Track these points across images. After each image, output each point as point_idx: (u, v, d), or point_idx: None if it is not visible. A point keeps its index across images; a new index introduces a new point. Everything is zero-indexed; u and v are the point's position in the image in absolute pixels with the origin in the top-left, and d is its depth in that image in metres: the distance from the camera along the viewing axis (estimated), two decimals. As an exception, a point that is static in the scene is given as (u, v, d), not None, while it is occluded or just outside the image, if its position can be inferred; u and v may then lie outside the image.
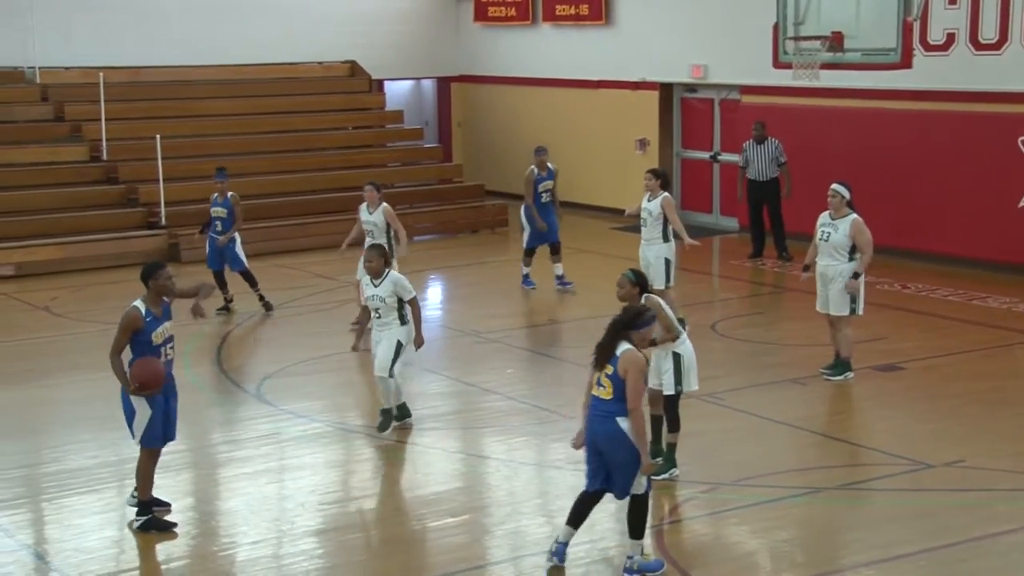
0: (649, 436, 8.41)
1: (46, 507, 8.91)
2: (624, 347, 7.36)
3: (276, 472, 9.50)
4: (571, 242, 19.00)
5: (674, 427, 9.00)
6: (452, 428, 10.56)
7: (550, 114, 22.07)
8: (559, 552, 7.56)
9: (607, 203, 21.24)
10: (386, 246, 13.24)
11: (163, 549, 8.03)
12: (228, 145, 20.08)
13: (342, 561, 7.92)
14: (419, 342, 10.13)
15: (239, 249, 14.31)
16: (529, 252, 15.43)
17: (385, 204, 13.19)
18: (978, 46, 15.90)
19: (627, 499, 7.45)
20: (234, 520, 8.57)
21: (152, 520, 8.26)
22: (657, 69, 20.11)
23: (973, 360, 12.07)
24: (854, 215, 11.16)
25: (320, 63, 22.38)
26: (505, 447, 9.96)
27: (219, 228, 14.23)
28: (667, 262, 12.78)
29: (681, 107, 20.47)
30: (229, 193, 14.27)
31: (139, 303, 8.18)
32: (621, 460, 7.34)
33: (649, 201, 12.85)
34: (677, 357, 8.85)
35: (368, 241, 13.43)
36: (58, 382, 12.02)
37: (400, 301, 9.97)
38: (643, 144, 20.49)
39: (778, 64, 16.09)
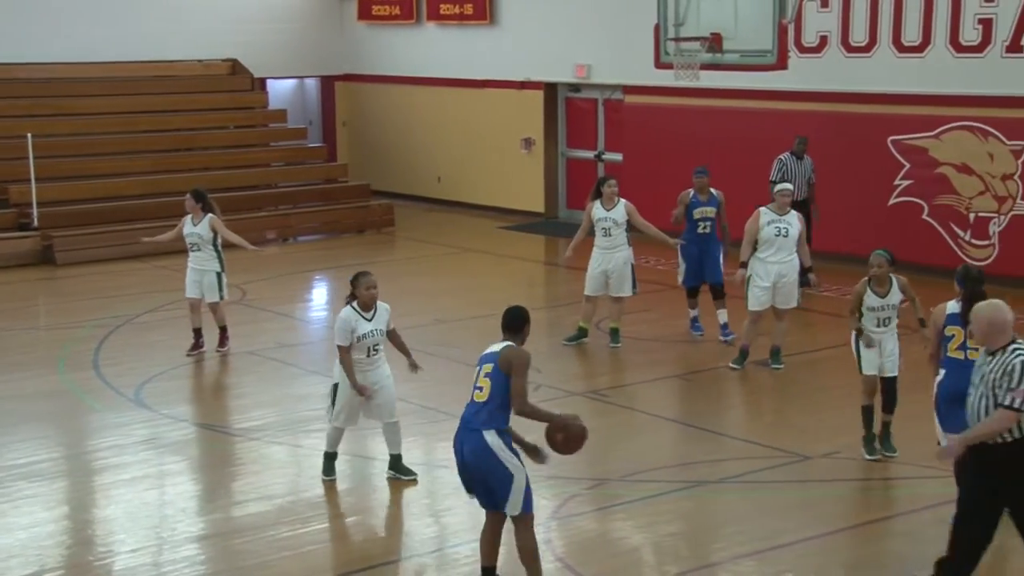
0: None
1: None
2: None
3: (155, 478, 9.29)
4: (458, 241, 19.06)
5: (893, 408, 9.41)
6: (338, 429, 10.43)
7: (436, 113, 22.03)
8: None
9: (493, 202, 21.30)
10: (216, 260, 12.34)
11: (36, 560, 7.77)
12: (105, 144, 19.58)
13: (226, 567, 7.77)
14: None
15: None
16: (690, 292, 13.09)
17: (211, 215, 12.29)
18: (849, 48, 16.36)
19: None
20: (112, 528, 8.35)
21: None
22: (541, 69, 20.22)
23: (850, 354, 12.36)
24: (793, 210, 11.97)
25: (200, 61, 21.95)
26: (391, 448, 9.89)
27: None
28: (632, 267, 12.77)
29: (566, 107, 20.62)
30: None
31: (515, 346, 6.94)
32: None
33: (610, 211, 12.52)
34: None
35: (192, 254, 12.37)
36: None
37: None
38: (529, 143, 20.59)
39: (660, 64, 16.24)
